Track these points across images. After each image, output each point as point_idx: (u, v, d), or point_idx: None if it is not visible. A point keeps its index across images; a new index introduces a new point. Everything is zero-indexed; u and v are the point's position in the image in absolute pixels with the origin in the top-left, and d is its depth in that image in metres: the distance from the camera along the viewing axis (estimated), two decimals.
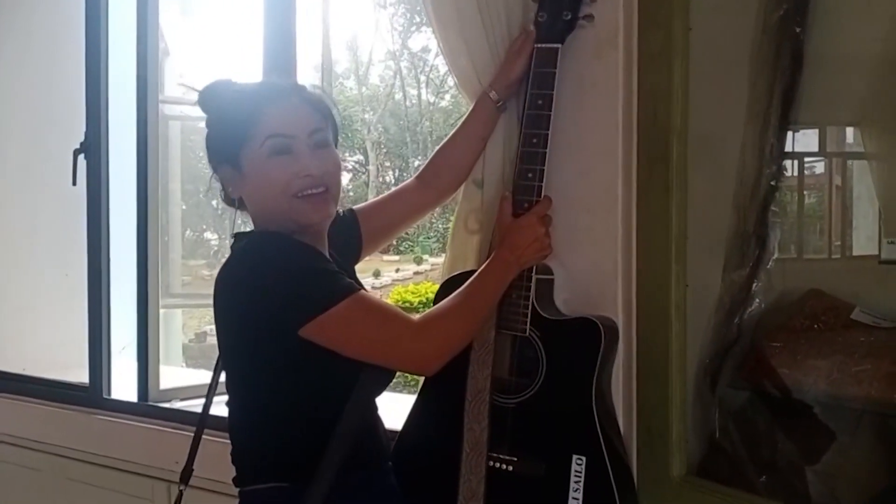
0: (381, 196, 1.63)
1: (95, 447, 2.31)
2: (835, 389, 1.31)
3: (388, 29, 12.73)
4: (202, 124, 1.34)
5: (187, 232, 3.41)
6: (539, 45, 1.42)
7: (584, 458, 1.34)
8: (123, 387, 2.39)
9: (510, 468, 1.39)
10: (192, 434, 1.46)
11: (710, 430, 1.47)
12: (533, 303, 1.39)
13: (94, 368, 2.37)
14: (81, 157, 2.37)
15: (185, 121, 2.76)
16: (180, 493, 1.40)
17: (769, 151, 1.48)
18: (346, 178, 10.25)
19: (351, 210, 1.52)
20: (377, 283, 9.79)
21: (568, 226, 1.44)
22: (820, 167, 1.59)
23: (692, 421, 1.45)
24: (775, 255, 1.47)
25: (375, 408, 1.35)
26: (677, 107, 1.33)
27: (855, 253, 1.55)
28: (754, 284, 1.48)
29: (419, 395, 1.54)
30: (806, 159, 1.54)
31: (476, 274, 1.34)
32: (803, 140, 1.50)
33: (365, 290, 1.25)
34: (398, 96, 12.55)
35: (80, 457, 2.35)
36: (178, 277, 2.88)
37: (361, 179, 11.93)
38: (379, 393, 1.31)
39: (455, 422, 1.42)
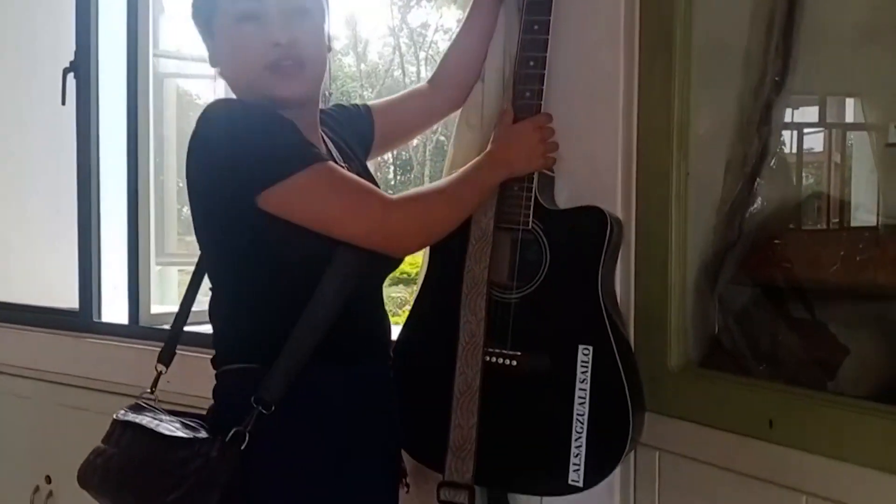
0: (394, 95, 1.57)
1: (86, 371, 2.28)
2: (839, 279, 1.29)
3: (388, 4, 12.60)
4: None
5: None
6: None
7: (590, 348, 1.31)
8: (114, 313, 2.36)
9: (514, 363, 1.37)
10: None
11: (710, 330, 1.45)
12: (535, 194, 1.36)
13: (84, 291, 2.34)
14: (71, 75, 2.31)
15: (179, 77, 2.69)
16: (158, 374, 1.35)
17: (774, 50, 1.45)
18: None
19: (365, 104, 1.48)
20: None
21: (568, 117, 1.41)
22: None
23: (692, 321, 1.44)
24: (777, 153, 1.45)
25: (366, 298, 1.27)
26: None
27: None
28: (757, 183, 1.46)
29: (417, 296, 1.52)
30: None
31: (464, 168, 1.29)
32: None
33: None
34: (397, 73, 12.43)
35: (71, 382, 2.32)
36: (174, 236, 2.80)
37: None
38: (359, 279, 1.20)
39: (453, 319, 1.39)
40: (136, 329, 2.22)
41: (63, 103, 2.31)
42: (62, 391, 2.35)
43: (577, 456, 1.32)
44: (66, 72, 2.31)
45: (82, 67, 2.30)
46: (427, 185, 1.26)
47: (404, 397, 1.40)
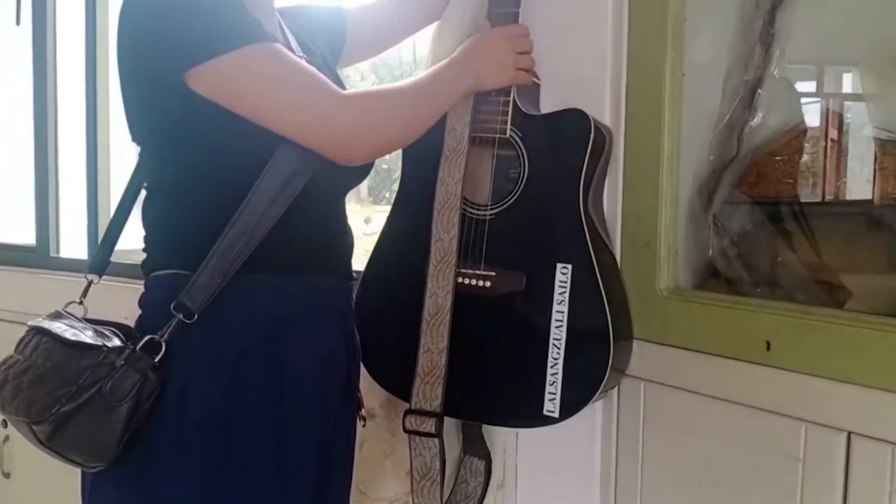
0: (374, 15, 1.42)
1: (44, 309, 2.15)
2: (843, 192, 1.18)
3: None
4: None
5: None
6: None
7: (569, 267, 1.19)
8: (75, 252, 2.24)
9: (488, 284, 1.25)
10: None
11: (704, 256, 1.34)
12: (514, 100, 1.24)
13: (41, 226, 2.21)
14: None
15: None
16: (89, 283, 1.22)
17: None
18: None
19: (339, 7, 1.34)
20: (368, 230, 9.57)
21: (554, 14, 1.28)
22: None
23: (685, 246, 1.32)
24: (782, 63, 1.33)
25: (317, 206, 1.12)
26: None
27: None
28: (758, 94, 1.34)
29: (388, 215, 1.39)
30: None
31: (440, 77, 1.16)
32: None
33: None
34: None
35: (27, 320, 2.19)
36: None
37: None
38: (308, 184, 1.06)
39: (425, 238, 1.27)
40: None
41: (17, 23, 2.16)
42: (19, 331, 2.22)
43: (552, 384, 1.21)
44: None
45: None
46: (385, 85, 1.12)
47: (374, 322, 1.30)
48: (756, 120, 1.34)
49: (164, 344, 1.00)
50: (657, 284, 1.24)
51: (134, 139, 1.11)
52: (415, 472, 1.28)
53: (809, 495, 1.05)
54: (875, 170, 1.18)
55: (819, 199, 1.44)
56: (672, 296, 1.24)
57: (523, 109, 1.24)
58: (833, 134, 1.42)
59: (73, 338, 1.00)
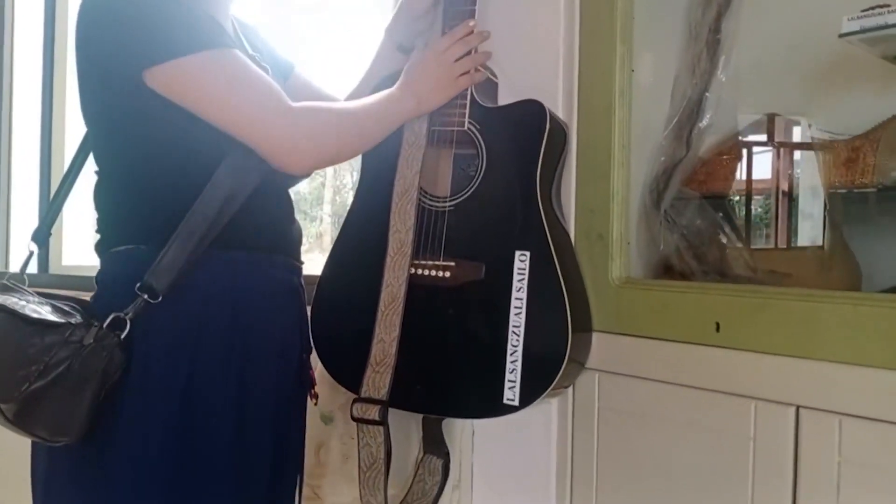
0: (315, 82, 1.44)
1: None
2: (791, 182, 1.23)
3: None
4: None
5: None
6: None
7: (527, 254, 1.21)
8: None
9: (446, 274, 1.26)
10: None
11: (657, 252, 1.38)
12: (472, 94, 1.27)
13: None
14: None
15: None
16: (31, 254, 1.22)
17: None
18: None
19: (290, 61, 1.37)
20: None
21: (508, 16, 1.33)
22: None
23: (638, 243, 1.36)
24: (727, 68, 1.39)
25: (269, 195, 1.16)
26: None
27: None
28: (705, 98, 1.40)
29: (349, 210, 1.40)
30: None
31: (384, 100, 1.20)
32: None
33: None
34: None
35: None
36: None
37: (318, 181, 11.59)
38: (261, 176, 1.10)
39: (383, 230, 1.29)
40: (46, 277, 2.06)
41: None
42: None
43: (512, 372, 1.22)
44: None
45: None
46: (337, 103, 1.16)
47: (330, 315, 1.31)
48: (704, 122, 1.39)
49: (128, 322, 1.00)
50: (610, 275, 1.27)
51: (87, 124, 1.13)
52: (361, 462, 1.27)
53: (761, 472, 1.07)
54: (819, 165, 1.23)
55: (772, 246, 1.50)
56: (624, 285, 1.26)
57: (481, 103, 1.27)
58: (784, 186, 1.46)
59: (33, 314, 0.99)
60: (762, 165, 1.39)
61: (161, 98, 1.02)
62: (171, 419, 1.03)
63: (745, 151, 1.36)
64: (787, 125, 1.41)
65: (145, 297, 1.01)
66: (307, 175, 1.14)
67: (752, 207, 1.30)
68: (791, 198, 1.41)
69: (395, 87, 1.21)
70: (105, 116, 1.09)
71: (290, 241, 1.21)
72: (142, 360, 1.02)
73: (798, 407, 1.03)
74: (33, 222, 2.09)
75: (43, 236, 1.23)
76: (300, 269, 1.25)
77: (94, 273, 1.14)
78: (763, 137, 1.39)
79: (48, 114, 2.13)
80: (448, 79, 1.22)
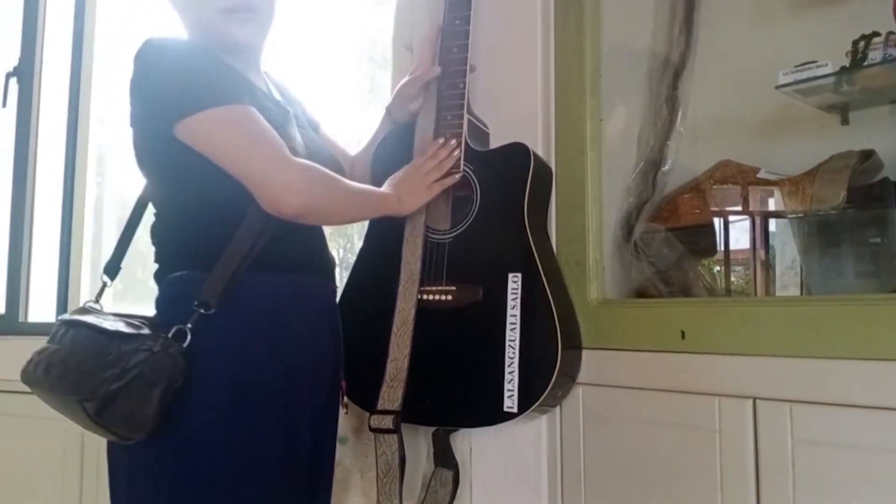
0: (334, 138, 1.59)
1: (14, 373, 2.21)
2: (746, 210, 1.43)
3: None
4: None
5: None
6: None
7: (519, 275, 1.38)
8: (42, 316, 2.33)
9: (449, 297, 1.44)
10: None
11: (629, 278, 1.56)
12: (465, 140, 1.47)
13: (12, 292, 2.31)
14: (14, 80, 2.36)
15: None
16: (104, 285, 1.38)
17: (678, 25, 1.63)
18: None
19: (317, 122, 1.54)
20: None
21: (493, 74, 1.55)
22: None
23: (612, 270, 1.54)
24: (685, 120, 1.61)
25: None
26: None
27: None
28: (667, 145, 1.61)
29: (363, 243, 1.57)
30: None
31: (374, 190, 1.38)
32: None
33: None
34: None
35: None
36: None
37: None
38: None
39: (395, 262, 1.47)
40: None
41: (3, 105, 2.34)
42: None
43: (510, 382, 1.37)
44: (9, 76, 2.36)
45: (25, 73, 2.36)
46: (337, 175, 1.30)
47: (347, 342, 1.43)
48: (667, 166, 1.60)
49: (188, 332, 1.16)
50: (588, 296, 1.45)
51: (141, 171, 1.30)
52: (378, 469, 1.41)
53: (727, 460, 1.23)
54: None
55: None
56: (601, 305, 1.44)
57: (474, 148, 1.47)
58: (761, 254, 1.59)
59: (111, 327, 1.16)
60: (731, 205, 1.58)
61: (190, 148, 1.17)
62: (226, 413, 1.17)
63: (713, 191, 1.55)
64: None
65: (201, 310, 1.17)
66: (295, 218, 1.22)
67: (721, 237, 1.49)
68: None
69: (385, 186, 1.41)
70: (153, 164, 1.26)
71: (325, 264, 1.37)
72: (200, 365, 1.17)
73: (755, 399, 1.20)
74: (52, 268, 2.27)
75: (114, 270, 1.40)
76: (335, 291, 1.40)
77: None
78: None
79: (71, 162, 2.29)
80: (423, 188, 1.43)
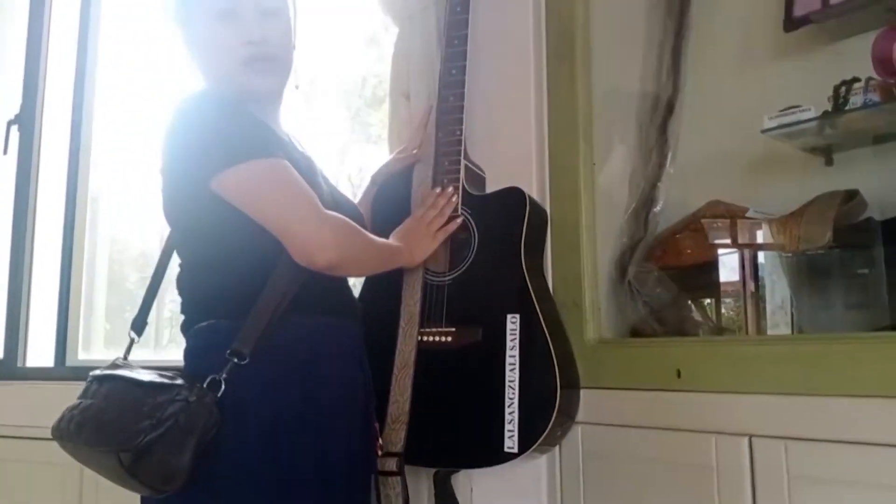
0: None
1: (14, 419, 2.22)
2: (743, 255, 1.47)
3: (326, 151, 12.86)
4: None
5: None
6: None
7: (517, 316, 1.41)
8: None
9: (448, 339, 1.46)
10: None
11: (625, 317, 1.59)
12: (463, 184, 1.51)
13: (10, 338, 2.32)
14: (15, 127, 2.40)
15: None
16: (131, 341, 1.39)
17: (666, 71, 1.68)
18: None
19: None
20: None
21: (488, 124, 1.60)
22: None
23: (608, 310, 1.57)
24: (674, 163, 1.65)
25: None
26: (580, 9, 1.55)
27: None
28: (657, 187, 1.65)
29: (362, 288, 1.59)
30: None
31: (391, 244, 1.42)
32: None
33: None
34: None
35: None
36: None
37: None
38: None
39: (395, 304, 1.50)
40: (64, 370, 2.21)
41: (4, 153, 2.38)
42: None
43: (510, 423, 1.39)
44: (10, 124, 2.39)
45: (26, 121, 2.40)
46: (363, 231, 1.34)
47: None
48: (658, 207, 1.64)
49: (223, 382, 1.17)
50: (586, 336, 1.48)
51: (168, 222, 1.32)
52: None
53: (725, 498, 1.25)
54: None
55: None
56: (598, 345, 1.47)
57: (471, 192, 1.51)
58: (751, 287, 1.60)
59: (146, 379, 1.17)
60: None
61: (225, 201, 1.19)
62: (259, 462, 1.17)
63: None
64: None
65: (235, 360, 1.18)
66: (326, 271, 1.24)
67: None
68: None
69: (391, 239, 1.45)
70: (184, 215, 1.27)
71: (352, 306, 1.37)
72: (233, 414, 1.17)
73: (750, 436, 1.22)
74: (51, 313, 2.29)
75: (140, 325, 1.41)
76: (362, 332, 1.37)
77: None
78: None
79: (71, 209, 2.33)
80: (429, 237, 1.47)
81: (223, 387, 1.16)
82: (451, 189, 1.50)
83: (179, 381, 1.16)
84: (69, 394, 1.27)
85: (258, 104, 1.30)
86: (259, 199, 1.19)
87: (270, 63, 1.29)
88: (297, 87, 1.39)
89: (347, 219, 1.25)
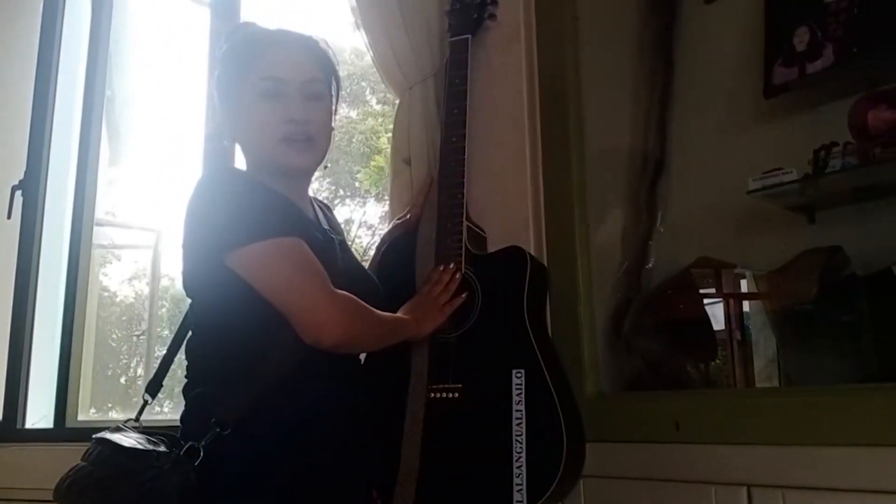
0: None
1: (12, 481, 2.22)
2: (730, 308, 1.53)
3: None
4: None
5: None
6: (452, 39, 1.69)
7: (522, 371, 1.46)
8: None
9: (455, 395, 1.51)
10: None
11: (622, 371, 1.64)
12: (465, 244, 1.57)
13: (10, 400, 2.33)
14: (19, 193, 2.45)
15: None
16: (144, 403, 1.42)
17: (654, 135, 1.77)
18: None
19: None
20: None
21: (488, 188, 1.67)
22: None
23: (605, 365, 1.63)
24: (664, 222, 1.73)
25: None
26: (571, 78, 1.64)
27: None
28: (648, 246, 1.72)
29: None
30: None
31: (397, 319, 1.44)
32: None
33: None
34: None
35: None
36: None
37: None
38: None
39: (403, 361, 1.55)
40: (64, 432, 2.22)
41: (8, 217, 2.42)
42: None
43: (518, 476, 1.42)
44: (14, 189, 2.44)
45: (31, 187, 2.45)
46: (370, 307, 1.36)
47: None
48: (649, 264, 1.71)
49: (202, 450, 1.20)
50: (585, 391, 1.53)
51: (185, 292, 1.36)
52: None
53: None
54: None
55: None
56: (598, 400, 1.52)
57: (473, 252, 1.58)
58: (737, 335, 1.68)
59: (128, 444, 1.22)
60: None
61: (236, 276, 1.23)
62: None
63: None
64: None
65: (217, 429, 1.21)
66: (332, 349, 1.26)
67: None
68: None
69: (401, 313, 1.49)
70: (197, 286, 1.32)
71: (350, 367, 1.37)
72: (215, 484, 1.20)
73: (749, 486, 1.27)
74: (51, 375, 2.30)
75: (155, 388, 1.43)
76: (365, 392, 1.38)
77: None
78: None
79: (73, 272, 2.37)
80: (436, 311, 1.52)
81: (202, 454, 1.19)
82: (452, 266, 1.56)
83: (162, 448, 1.21)
84: (69, 456, 1.28)
85: (286, 179, 1.34)
86: (269, 279, 1.23)
87: (308, 143, 1.34)
88: (326, 167, 1.45)
89: (356, 298, 1.28)
